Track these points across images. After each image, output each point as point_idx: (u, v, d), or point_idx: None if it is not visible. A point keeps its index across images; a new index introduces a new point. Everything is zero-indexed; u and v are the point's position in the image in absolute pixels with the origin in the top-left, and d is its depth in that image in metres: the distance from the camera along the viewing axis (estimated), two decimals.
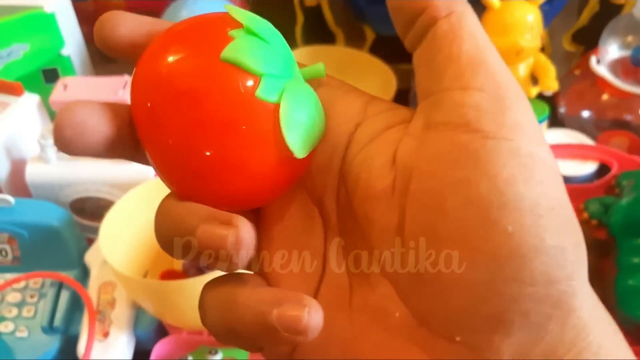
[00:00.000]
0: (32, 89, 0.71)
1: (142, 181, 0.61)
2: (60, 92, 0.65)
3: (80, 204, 0.65)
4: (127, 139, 0.20)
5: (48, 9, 0.65)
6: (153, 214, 0.21)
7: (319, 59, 0.25)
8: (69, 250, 0.61)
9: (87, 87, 0.65)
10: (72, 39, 0.70)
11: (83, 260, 0.61)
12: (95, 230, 0.67)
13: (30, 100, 0.66)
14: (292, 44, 0.79)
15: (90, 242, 0.64)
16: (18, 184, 0.65)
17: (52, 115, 0.68)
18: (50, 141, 0.61)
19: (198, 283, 0.50)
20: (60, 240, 0.60)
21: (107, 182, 0.62)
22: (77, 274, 0.62)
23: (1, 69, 0.65)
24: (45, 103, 0.66)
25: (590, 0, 0.74)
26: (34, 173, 0.63)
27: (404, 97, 0.72)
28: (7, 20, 0.63)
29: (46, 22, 0.66)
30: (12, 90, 0.66)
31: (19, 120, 0.64)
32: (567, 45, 0.79)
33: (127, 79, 0.66)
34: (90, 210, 0.65)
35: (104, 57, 0.91)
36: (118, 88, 0.64)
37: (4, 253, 0.61)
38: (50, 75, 0.71)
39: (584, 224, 0.55)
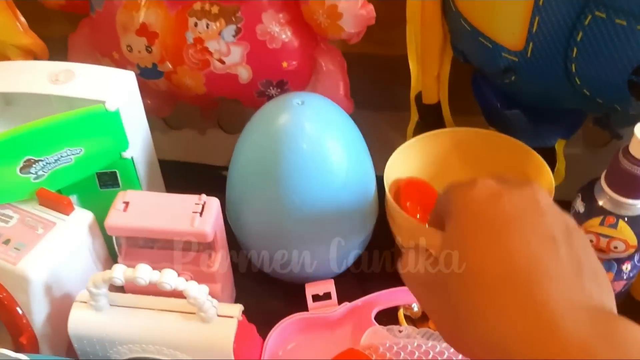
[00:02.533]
0: (84, 194, 0.57)
1: (219, 348, 0.46)
2: (119, 214, 0.50)
3: None
4: None
5: (111, 105, 0.51)
6: None
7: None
8: None
9: (155, 207, 0.51)
10: (137, 140, 0.55)
11: None
12: None
13: (81, 220, 0.51)
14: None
15: None
16: (59, 331, 0.50)
17: (107, 240, 0.53)
18: (103, 290, 0.46)
19: None
20: None
21: (174, 344, 0.47)
22: None
23: (46, 177, 0.51)
24: (102, 214, 0.51)
25: None
26: (78, 323, 0.48)
27: None
28: (59, 122, 0.49)
29: (108, 123, 0.51)
30: (58, 206, 0.51)
31: (65, 249, 0.50)
32: None
33: (205, 199, 0.51)
34: None
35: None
36: (194, 212, 0.49)
37: None
38: (107, 180, 0.56)
39: None
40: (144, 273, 0.45)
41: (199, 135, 0.79)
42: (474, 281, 0.30)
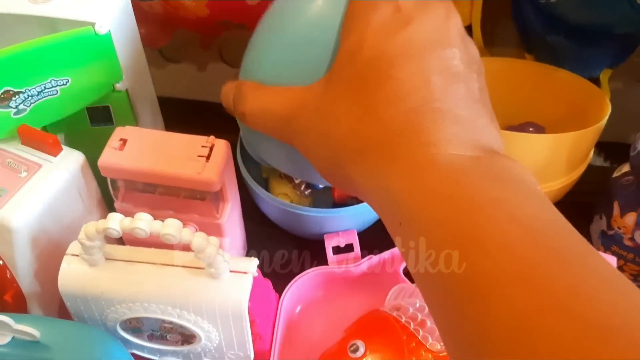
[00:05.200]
0: (72, 131, 0.50)
1: (232, 308, 0.41)
2: (114, 153, 0.44)
3: (136, 323, 0.44)
4: None
5: (101, 27, 0.43)
6: None
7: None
8: None
9: (155, 147, 0.44)
10: (132, 70, 0.48)
11: None
12: (155, 352, 0.47)
13: (70, 161, 0.45)
14: None
15: None
16: (50, 288, 0.44)
17: (101, 185, 0.47)
18: (97, 242, 0.40)
19: None
20: None
21: (179, 303, 0.41)
22: None
23: (27, 114, 0.44)
24: (93, 154, 0.45)
25: None
26: (69, 279, 0.42)
27: None
28: (41, 47, 0.42)
29: (98, 48, 0.44)
30: (44, 145, 0.44)
31: (52, 194, 0.43)
32: None
33: (213, 141, 0.44)
34: (149, 330, 0.45)
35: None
36: (200, 156, 0.43)
37: None
38: (99, 116, 0.49)
39: None
40: (144, 223, 0.38)
41: (200, 69, 0.72)
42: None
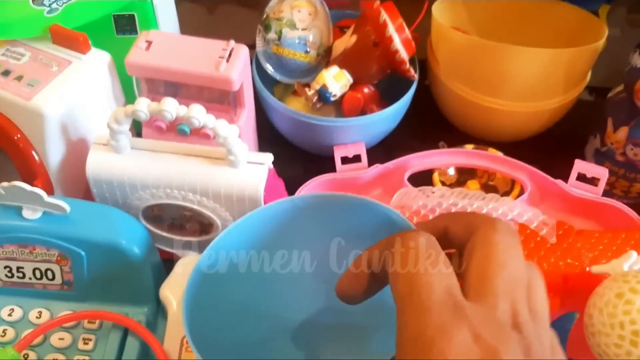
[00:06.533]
0: (99, 41, 0.52)
1: (249, 194, 0.44)
2: (140, 52, 0.46)
3: (158, 211, 0.47)
4: None
5: None
6: None
7: None
8: (141, 279, 0.44)
9: (179, 49, 0.47)
10: None
11: (158, 294, 0.44)
12: (173, 244, 0.50)
13: (98, 59, 0.47)
14: None
15: (168, 261, 0.46)
16: (75, 176, 0.47)
17: (126, 81, 0.49)
18: (125, 127, 0.43)
19: None
20: (128, 265, 0.43)
21: (200, 189, 0.44)
22: (149, 311, 0.45)
23: (59, 13, 0.47)
24: (118, 62, 0.48)
25: None
26: (97, 165, 0.45)
27: None
28: None
29: None
30: (74, 44, 0.47)
31: (81, 88, 0.46)
32: None
33: (233, 45, 0.47)
34: (169, 219, 0.48)
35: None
36: (220, 57, 0.46)
37: (49, 275, 0.44)
38: (124, 24, 0.52)
39: None
40: (171, 106, 0.41)
41: (214, 8, 0.74)
42: None
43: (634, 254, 0.41)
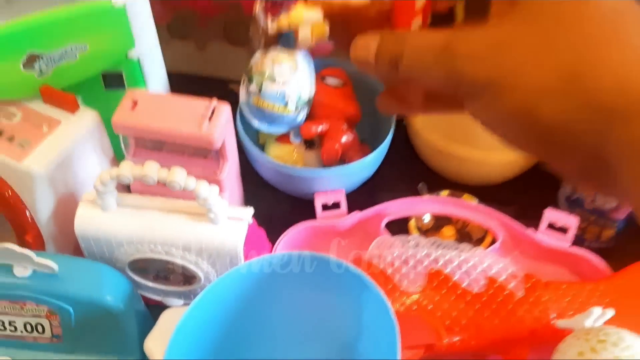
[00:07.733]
0: (88, 95, 0.55)
1: (228, 249, 0.46)
2: (126, 111, 0.49)
3: (143, 264, 0.49)
4: None
5: (117, 1, 0.48)
6: None
7: None
8: (126, 333, 0.46)
9: (163, 108, 0.49)
10: (144, 40, 0.53)
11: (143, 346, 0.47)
12: (159, 293, 0.52)
13: (86, 118, 0.50)
14: None
15: (156, 307, 0.49)
16: (66, 230, 0.50)
17: (113, 139, 0.52)
18: (110, 187, 0.45)
19: None
20: (114, 320, 0.45)
21: (182, 245, 0.47)
22: None
23: (50, 75, 0.49)
24: (106, 116, 0.50)
25: None
26: (84, 222, 0.47)
27: None
28: (63, 15, 0.47)
29: (114, 19, 0.49)
30: (63, 104, 0.50)
31: (70, 147, 0.48)
32: None
33: (215, 104, 0.49)
34: (154, 271, 0.50)
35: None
36: (203, 116, 0.48)
37: (39, 329, 0.46)
38: (112, 81, 0.54)
39: None
40: (153, 170, 0.43)
41: (204, 47, 0.77)
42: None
43: (595, 310, 0.43)
